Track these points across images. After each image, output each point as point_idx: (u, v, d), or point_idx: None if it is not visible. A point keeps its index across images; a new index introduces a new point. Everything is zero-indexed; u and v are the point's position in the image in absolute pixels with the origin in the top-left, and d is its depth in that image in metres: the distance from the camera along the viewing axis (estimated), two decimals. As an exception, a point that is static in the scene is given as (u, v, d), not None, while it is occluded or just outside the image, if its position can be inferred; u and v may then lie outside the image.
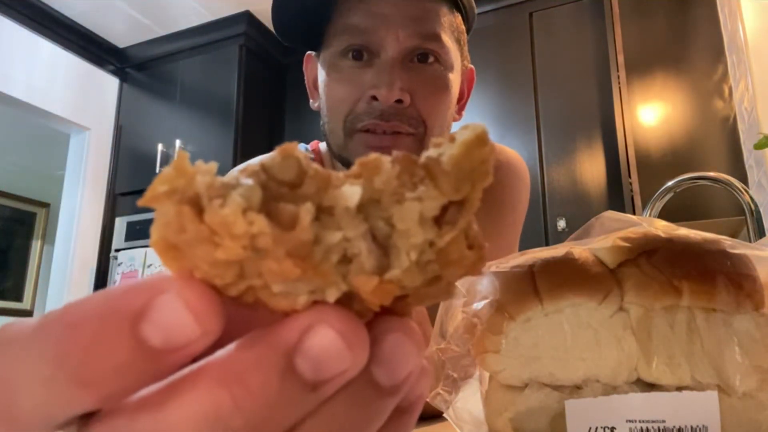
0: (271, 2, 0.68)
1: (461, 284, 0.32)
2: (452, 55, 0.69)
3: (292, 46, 0.75)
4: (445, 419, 0.33)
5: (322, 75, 0.70)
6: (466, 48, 0.76)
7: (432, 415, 0.54)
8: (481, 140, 0.15)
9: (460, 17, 0.72)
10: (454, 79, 0.70)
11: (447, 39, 0.68)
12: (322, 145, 0.83)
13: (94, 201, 3.29)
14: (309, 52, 0.77)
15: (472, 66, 0.80)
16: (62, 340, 0.13)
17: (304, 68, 0.78)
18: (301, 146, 0.82)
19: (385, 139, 0.64)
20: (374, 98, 0.64)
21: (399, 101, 0.64)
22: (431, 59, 0.67)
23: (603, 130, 2.42)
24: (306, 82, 0.78)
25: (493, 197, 0.78)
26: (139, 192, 3.27)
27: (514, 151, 0.86)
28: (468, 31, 0.76)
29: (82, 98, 3.25)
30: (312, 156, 0.81)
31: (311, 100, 0.77)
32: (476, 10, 0.77)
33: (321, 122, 0.73)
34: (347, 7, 0.66)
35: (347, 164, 0.70)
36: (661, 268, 0.27)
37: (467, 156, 0.15)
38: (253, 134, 3.16)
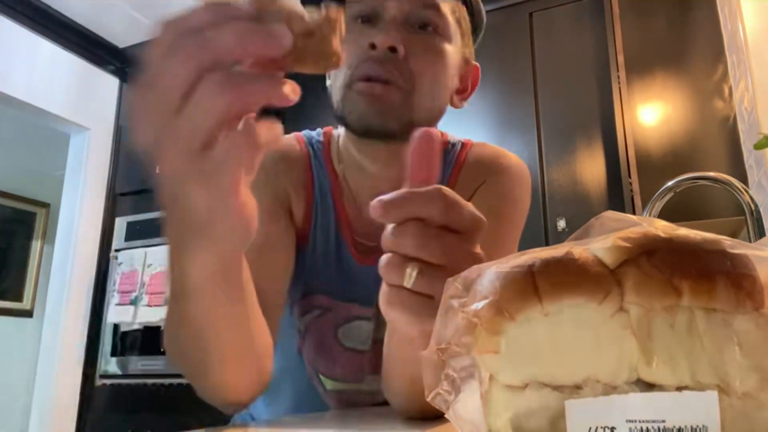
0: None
1: (461, 284, 0.32)
2: (451, 29, 0.74)
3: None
4: (446, 419, 0.33)
5: None
6: (469, 38, 0.80)
7: (434, 416, 0.55)
8: None
9: (465, 9, 0.78)
10: (452, 50, 0.74)
11: (447, 12, 0.73)
12: (336, 132, 0.85)
13: (94, 201, 3.29)
14: None
15: (477, 64, 0.81)
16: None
17: None
18: (315, 132, 0.86)
19: (376, 87, 0.68)
20: (372, 46, 0.68)
21: (393, 49, 0.68)
22: (430, 29, 0.72)
23: (603, 130, 2.42)
24: None
25: (493, 204, 0.77)
26: (139, 192, 3.27)
27: (515, 156, 0.85)
28: (476, 30, 0.81)
29: (82, 98, 3.24)
30: (321, 138, 0.84)
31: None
32: (484, 14, 0.80)
33: (327, 86, 0.76)
34: None
35: (345, 122, 0.73)
36: (661, 268, 0.27)
37: None
38: (253, 134, 3.15)
